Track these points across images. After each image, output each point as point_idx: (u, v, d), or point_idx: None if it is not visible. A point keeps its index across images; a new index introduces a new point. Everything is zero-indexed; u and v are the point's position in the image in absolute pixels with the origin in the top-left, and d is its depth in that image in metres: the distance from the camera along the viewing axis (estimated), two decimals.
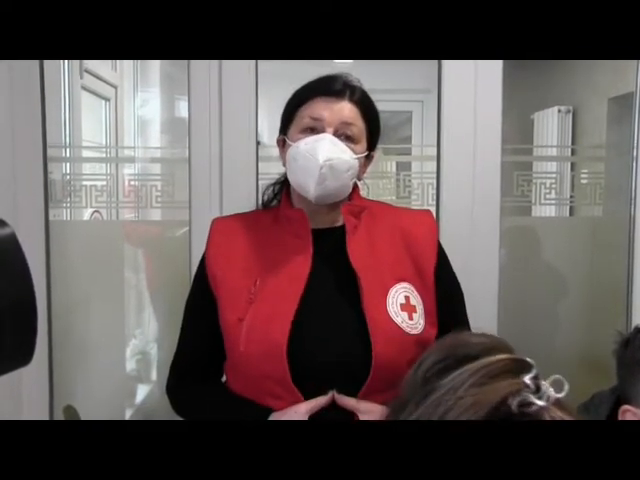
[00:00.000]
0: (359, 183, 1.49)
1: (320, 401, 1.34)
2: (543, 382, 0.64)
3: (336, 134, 1.38)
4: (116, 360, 2.22)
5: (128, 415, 2.26)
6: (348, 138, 1.39)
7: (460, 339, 0.70)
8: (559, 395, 0.64)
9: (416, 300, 1.41)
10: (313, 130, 1.39)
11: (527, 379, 0.63)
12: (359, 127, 1.40)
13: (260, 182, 2.00)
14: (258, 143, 2.01)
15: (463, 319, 1.52)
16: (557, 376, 0.65)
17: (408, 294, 1.41)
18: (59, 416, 1.94)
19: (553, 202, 2.25)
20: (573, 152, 2.67)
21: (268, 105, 2.01)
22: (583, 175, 2.31)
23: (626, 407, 1.21)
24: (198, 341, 1.48)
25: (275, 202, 1.53)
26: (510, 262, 2.12)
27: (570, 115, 2.78)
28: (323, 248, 1.42)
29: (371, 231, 1.46)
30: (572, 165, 2.35)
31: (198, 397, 1.48)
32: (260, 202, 1.56)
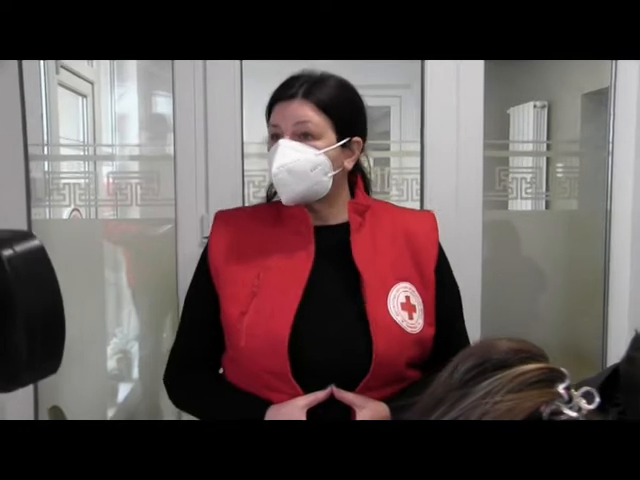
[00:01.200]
0: (366, 174, 1.52)
1: (319, 396, 1.36)
2: (575, 392, 0.65)
3: (293, 136, 1.38)
4: (97, 359, 2.21)
5: (110, 414, 2.26)
6: (308, 136, 1.38)
7: (495, 344, 0.70)
8: (590, 407, 0.65)
9: (416, 300, 1.43)
10: (277, 137, 1.40)
11: (561, 389, 0.65)
12: (316, 122, 1.38)
13: (245, 179, 2.01)
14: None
15: (460, 323, 1.54)
16: (588, 388, 0.66)
17: (409, 294, 1.42)
18: (44, 417, 1.94)
19: (530, 196, 2.28)
20: (548, 147, 2.70)
21: (252, 100, 2.00)
22: (558, 169, 2.34)
23: None
24: (198, 332, 1.50)
25: (277, 198, 1.50)
26: (489, 255, 2.15)
27: (545, 110, 2.82)
28: (325, 245, 1.43)
29: (374, 230, 1.47)
30: (547, 159, 2.39)
31: (196, 389, 1.50)
32: (265, 196, 1.57)
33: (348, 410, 1.36)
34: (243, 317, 1.38)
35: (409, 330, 1.39)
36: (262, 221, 1.49)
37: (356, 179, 1.50)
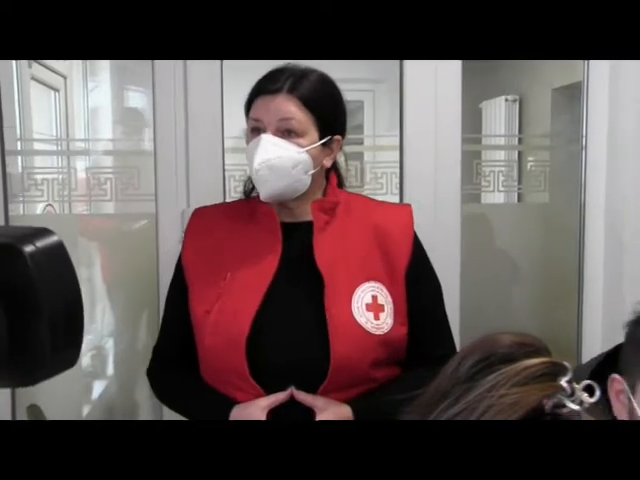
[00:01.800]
0: (339, 170, 1.51)
1: (279, 397, 1.36)
2: (577, 386, 0.67)
3: (277, 132, 1.36)
4: None
5: (86, 411, 2.24)
6: (291, 133, 1.37)
7: (502, 338, 0.72)
8: (592, 400, 0.67)
9: (385, 299, 1.41)
10: (258, 131, 1.38)
11: (563, 382, 0.66)
12: (300, 119, 1.37)
13: (226, 173, 2.00)
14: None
15: (440, 316, 1.52)
16: (589, 381, 0.68)
17: (376, 293, 1.40)
18: (22, 416, 1.92)
19: (503, 190, 2.30)
20: (520, 141, 2.74)
21: (233, 94, 2.00)
22: (530, 163, 2.37)
23: (615, 376, 1.25)
24: (176, 329, 1.51)
25: (255, 193, 1.50)
26: (465, 248, 2.17)
27: (517, 104, 2.85)
28: (292, 244, 1.42)
29: (343, 228, 1.45)
30: (519, 153, 2.42)
31: (172, 385, 1.52)
32: (242, 192, 1.57)
33: (310, 412, 1.35)
34: (207, 316, 1.39)
35: (374, 331, 1.37)
36: (237, 218, 1.49)
37: (330, 176, 1.48)
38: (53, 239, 0.58)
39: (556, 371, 0.68)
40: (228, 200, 1.90)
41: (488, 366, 0.69)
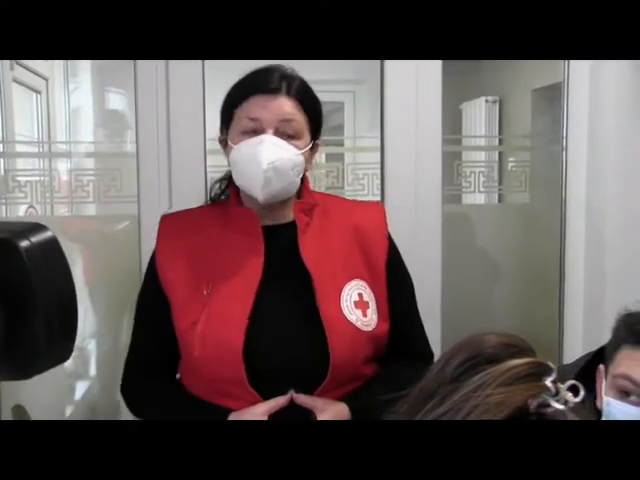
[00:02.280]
0: (307, 175, 1.47)
1: (279, 401, 1.34)
2: (561, 386, 0.68)
3: (277, 132, 1.35)
4: None
5: (69, 412, 2.24)
6: (290, 135, 1.36)
7: (485, 339, 0.73)
8: (576, 400, 0.68)
9: (369, 297, 1.41)
10: (254, 131, 1.35)
11: (548, 382, 0.67)
12: (299, 122, 1.37)
13: (209, 175, 1.99)
14: None
15: (414, 313, 1.53)
16: (573, 381, 0.69)
17: (361, 291, 1.41)
18: (8, 416, 1.92)
19: (485, 190, 2.32)
20: (500, 142, 2.76)
21: (215, 96, 2.00)
22: (510, 164, 2.39)
23: (600, 366, 1.29)
24: (153, 341, 1.46)
25: (223, 197, 1.50)
26: (446, 249, 2.18)
27: (497, 105, 2.87)
28: (274, 246, 1.41)
29: (323, 229, 1.45)
30: (500, 154, 2.43)
31: (155, 398, 1.46)
32: (207, 198, 1.53)
33: (307, 413, 1.35)
34: (195, 327, 1.35)
35: (364, 328, 1.38)
36: (208, 223, 1.45)
37: (304, 177, 1.47)
38: (47, 234, 0.59)
39: (541, 371, 0.69)
40: None
41: (474, 366, 0.70)
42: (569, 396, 0.68)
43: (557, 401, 0.67)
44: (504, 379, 0.67)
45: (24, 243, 0.56)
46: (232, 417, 1.35)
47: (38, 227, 0.59)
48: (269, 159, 1.32)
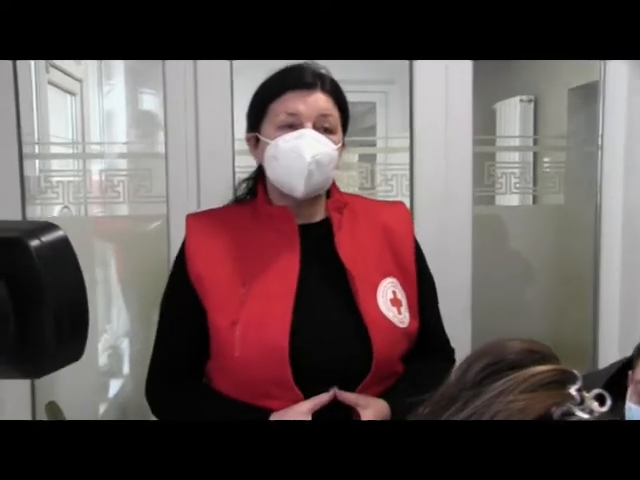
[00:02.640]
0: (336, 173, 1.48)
1: (322, 398, 1.34)
2: (587, 394, 0.67)
3: (315, 127, 1.36)
4: (88, 355, 2.21)
5: (102, 410, 2.26)
6: (326, 130, 1.37)
7: (511, 345, 0.72)
8: (603, 409, 0.66)
9: (401, 294, 1.42)
10: (291, 126, 1.36)
11: (573, 390, 0.66)
12: (335, 117, 1.39)
13: (237, 175, 1.99)
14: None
15: (436, 311, 1.54)
16: (599, 390, 0.67)
17: (395, 289, 1.42)
18: (41, 413, 1.94)
19: (517, 191, 2.29)
20: (535, 142, 2.72)
21: (243, 97, 2.01)
22: (545, 164, 2.36)
23: (630, 372, 1.26)
24: (181, 343, 1.43)
25: (249, 197, 1.50)
26: (478, 250, 2.17)
27: (532, 105, 2.83)
28: (309, 244, 1.40)
29: (354, 227, 1.45)
30: (534, 154, 2.40)
31: (188, 403, 1.43)
32: (233, 197, 1.53)
33: (349, 411, 1.35)
34: (234, 327, 1.33)
35: (400, 325, 1.39)
36: (237, 222, 1.45)
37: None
38: (59, 234, 0.59)
39: (565, 379, 0.67)
40: None
41: (496, 372, 0.69)
42: (595, 405, 0.66)
43: (582, 410, 0.65)
44: (527, 386, 0.66)
45: (34, 242, 0.56)
46: (275, 416, 1.34)
47: (50, 226, 0.59)
48: (312, 153, 1.33)
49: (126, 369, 2.29)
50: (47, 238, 0.58)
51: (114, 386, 2.28)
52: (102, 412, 2.25)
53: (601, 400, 0.67)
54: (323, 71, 1.41)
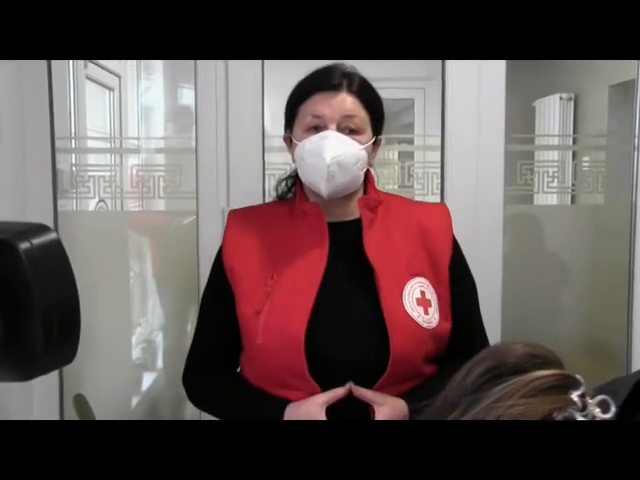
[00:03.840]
0: (373, 173, 1.50)
1: (338, 393, 1.35)
2: (590, 400, 0.65)
3: (339, 128, 1.38)
4: (122, 348, 2.25)
5: (134, 403, 2.29)
6: (352, 131, 1.39)
7: (509, 349, 0.71)
8: (606, 416, 0.65)
9: (431, 295, 1.42)
10: (317, 128, 1.39)
11: (574, 396, 0.65)
12: (361, 117, 1.40)
13: (266, 172, 2.02)
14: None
15: (477, 315, 1.53)
16: (604, 396, 0.66)
17: (424, 289, 1.42)
18: (69, 405, 1.98)
19: (555, 190, 2.26)
20: (574, 140, 2.68)
21: (273, 94, 2.01)
22: (584, 163, 2.32)
23: None
24: (216, 332, 1.49)
25: (290, 195, 1.53)
26: (513, 250, 2.14)
27: (572, 102, 2.78)
28: (339, 242, 1.43)
29: (387, 225, 1.46)
30: (574, 153, 2.36)
31: (216, 388, 1.49)
32: (275, 195, 1.56)
33: (366, 407, 1.36)
34: (258, 316, 1.38)
35: (425, 325, 1.38)
36: (275, 219, 1.49)
37: (368, 174, 1.49)
38: (50, 236, 0.59)
39: (567, 384, 0.66)
40: (268, 199, 1.90)
41: (497, 377, 0.68)
42: (597, 412, 0.65)
43: (584, 416, 0.64)
44: (527, 390, 0.65)
45: (24, 245, 0.56)
46: (291, 407, 1.36)
47: (42, 228, 0.58)
48: (332, 154, 1.35)
49: (160, 363, 2.32)
50: (38, 240, 0.57)
51: (147, 379, 2.31)
52: (134, 405, 2.28)
53: (605, 407, 0.65)
54: (352, 71, 1.42)
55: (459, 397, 0.69)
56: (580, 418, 0.64)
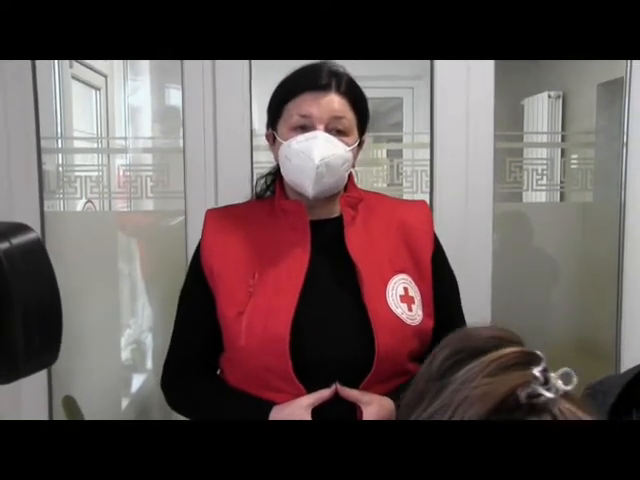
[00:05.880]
0: (353, 171, 1.48)
1: (323, 394, 1.34)
2: (552, 374, 0.66)
3: (327, 129, 1.36)
4: (111, 350, 2.23)
5: (124, 404, 2.28)
6: (339, 132, 1.38)
7: (472, 333, 0.72)
8: (567, 388, 0.66)
9: (414, 291, 1.41)
10: (303, 128, 1.37)
11: (536, 371, 0.65)
12: (349, 119, 1.39)
13: (255, 171, 2.00)
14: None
15: (458, 310, 1.53)
16: (566, 369, 0.67)
17: (407, 285, 1.41)
18: (58, 407, 1.96)
19: (544, 188, 2.26)
20: (563, 138, 2.68)
21: (261, 92, 2.01)
22: (573, 161, 2.32)
23: None
24: (195, 334, 1.47)
25: (269, 193, 1.52)
26: (502, 248, 2.14)
27: (560, 100, 2.79)
28: (321, 240, 1.41)
29: (368, 223, 1.45)
30: (562, 151, 2.37)
31: (197, 392, 1.46)
32: (253, 193, 1.55)
33: (353, 407, 1.35)
34: (241, 317, 1.36)
35: (409, 322, 1.38)
36: (255, 217, 1.47)
37: (349, 173, 1.47)
38: (31, 236, 0.58)
39: (529, 360, 0.67)
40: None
41: (459, 361, 0.69)
42: (559, 384, 0.65)
43: (547, 390, 0.65)
44: (490, 370, 0.66)
45: (3, 245, 0.55)
46: (276, 409, 1.35)
47: (21, 228, 0.57)
48: (321, 155, 1.33)
49: (149, 364, 2.31)
50: (18, 240, 0.56)
51: (137, 381, 2.29)
52: (124, 407, 2.27)
53: (567, 379, 0.66)
54: (340, 70, 1.41)
55: (426, 383, 0.70)
56: (543, 392, 0.64)
